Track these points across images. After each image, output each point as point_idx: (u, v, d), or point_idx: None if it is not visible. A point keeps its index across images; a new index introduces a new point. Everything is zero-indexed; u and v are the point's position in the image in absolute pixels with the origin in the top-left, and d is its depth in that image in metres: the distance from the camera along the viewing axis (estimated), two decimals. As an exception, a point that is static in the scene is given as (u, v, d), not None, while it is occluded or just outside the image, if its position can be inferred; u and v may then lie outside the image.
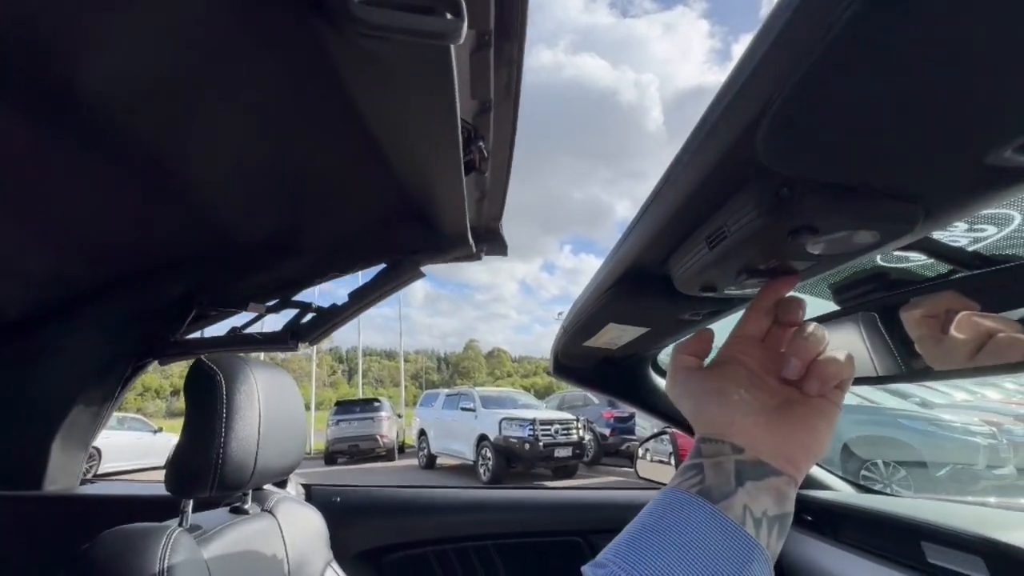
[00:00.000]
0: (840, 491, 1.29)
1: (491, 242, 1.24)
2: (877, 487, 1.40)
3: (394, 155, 0.69)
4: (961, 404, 6.88)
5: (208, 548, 0.74)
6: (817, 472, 1.34)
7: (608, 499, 1.46)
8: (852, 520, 1.11)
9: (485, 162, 0.84)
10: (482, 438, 8.58)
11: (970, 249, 0.51)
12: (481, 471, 8.50)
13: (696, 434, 0.40)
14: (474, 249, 1.25)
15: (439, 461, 10.21)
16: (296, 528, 0.97)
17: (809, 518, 1.23)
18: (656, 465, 1.77)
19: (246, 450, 0.77)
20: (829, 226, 0.41)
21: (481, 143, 0.83)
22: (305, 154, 0.76)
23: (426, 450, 10.25)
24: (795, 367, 0.39)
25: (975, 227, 0.48)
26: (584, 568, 0.35)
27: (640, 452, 1.87)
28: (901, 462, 5.52)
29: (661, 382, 1.35)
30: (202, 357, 0.80)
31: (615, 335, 0.93)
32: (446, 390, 11.37)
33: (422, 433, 10.50)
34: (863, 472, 5.79)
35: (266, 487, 1.02)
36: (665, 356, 1.32)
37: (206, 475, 0.74)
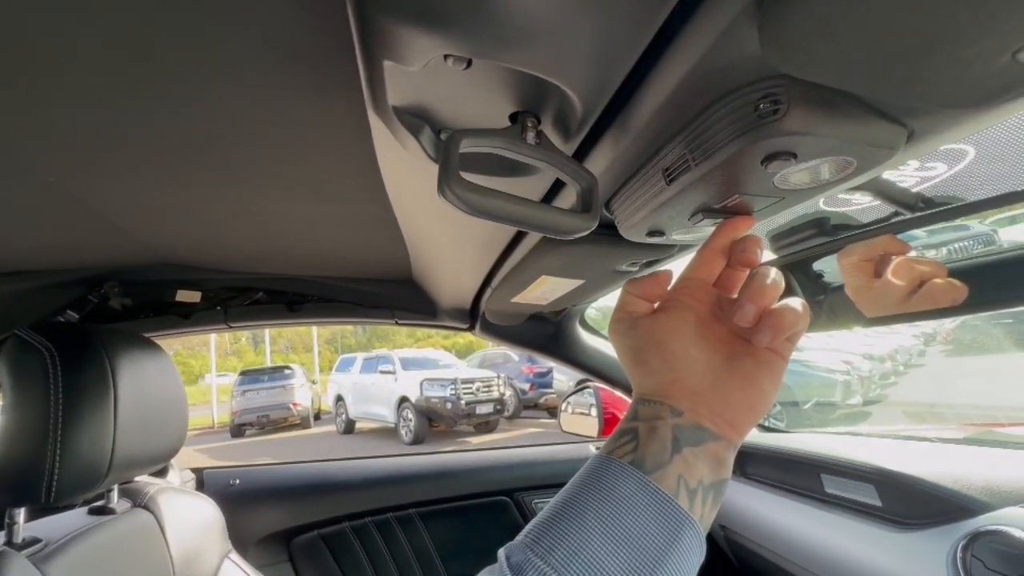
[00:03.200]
0: (746, 432, 1.39)
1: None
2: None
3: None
4: (823, 347, 8.07)
5: (53, 565, 0.58)
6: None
7: (533, 456, 1.45)
8: (758, 458, 1.19)
9: None
10: (403, 400, 8.54)
11: (915, 190, 0.50)
12: (403, 432, 8.50)
13: (634, 393, 0.37)
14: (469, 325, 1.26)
15: (358, 426, 10.03)
16: (181, 521, 0.83)
17: (720, 459, 1.31)
18: (578, 418, 1.80)
19: (96, 442, 0.61)
20: (808, 150, 0.36)
21: None
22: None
23: (344, 415, 10.00)
24: (749, 313, 0.35)
25: (926, 165, 0.46)
26: (500, 552, 0.34)
27: (563, 406, 1.89)
28: (777, 400, 6.32)
29: (589, 338, 1.33)
30: (21, 330, 0.61)
31: (547, 289, 0.87)
32: (364, 354, 11.06)
33: (339, 399, 10.19)
34: (747, 410, 6.59)
35: (139, 479, 0.85)
36: (593, 311, 1.30)
37: (38, 478, 0.57)
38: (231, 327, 1.14)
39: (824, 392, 6.43)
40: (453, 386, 8.13)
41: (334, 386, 10.69)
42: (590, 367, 1.35)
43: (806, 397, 6.37)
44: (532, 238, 0.69)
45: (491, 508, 1.35)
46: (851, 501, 0.92)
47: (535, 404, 10.00)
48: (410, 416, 8.43)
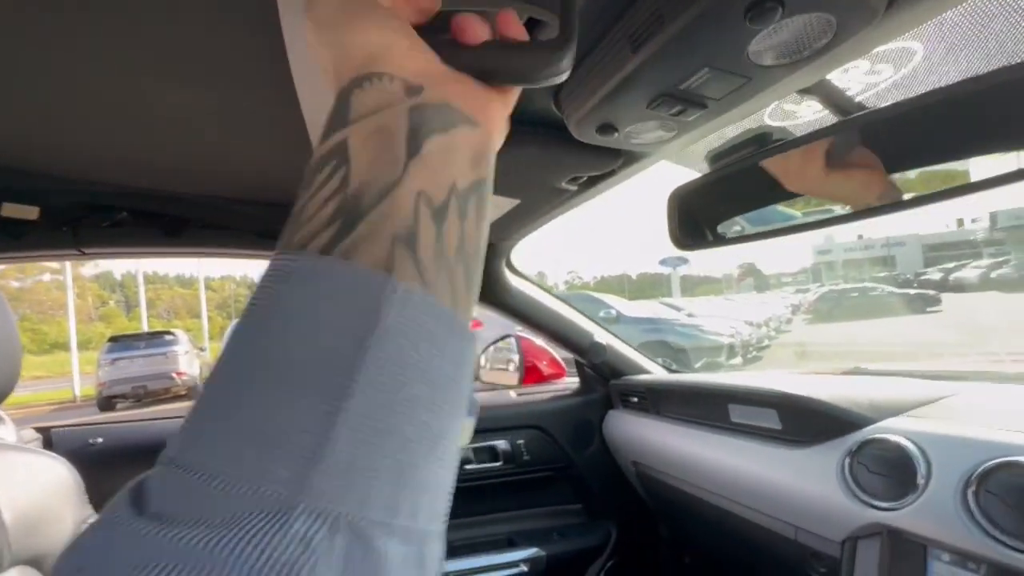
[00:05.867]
0: (657, 373, 1.46)
1: None
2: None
3: None
4: (712, 314, 9.11)
5: None
6: (639, 359, 1.48)
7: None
8: (671, 395, 1.25)
9: None
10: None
11: (858, 99, 0.50)
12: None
13: (339, 76, 0.24)
14: None
15: (257, 395, 9.33)
16: (16, 484, 0.67)
17: (635, 399, 1.37)
18: (496, 371, 1.78)
19: None
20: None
21: None
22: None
23: (239, 384, 9.23)
24: None
25: (874, 68, 0.46)
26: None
27: (481, 360, 1.86)
28: (674, 358, 6.95)
29: (515, 281, 1.29)
30: None
31: (479, 211, 0.80)
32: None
33: (233, 366, 9.36)
34: (648, 369, 7.28)
35: None
36: (528, 266, 1.25)
37: None
38: (84, 253, 0.92)
39: (712, 353, 7.18)
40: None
41: (228, 353, 9.80)
42: (516, 311, 1.31)
43: (698, 357, 7.07)
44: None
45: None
46: (755, 427, 0.99)
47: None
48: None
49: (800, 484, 0.85)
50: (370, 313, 0.18)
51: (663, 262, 17.15)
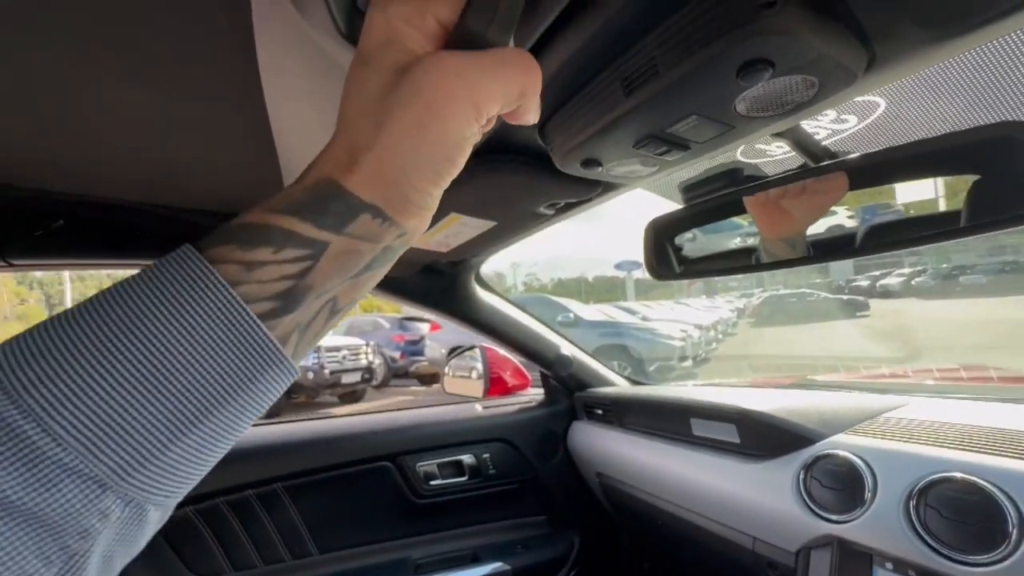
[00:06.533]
0: (621, 386, 1.49)
1: None
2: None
3: None
4: (665, 317, 9.48)
5: None
6: (603, 371, 1.51)
7: (419, 418, 1.38)
8: (635, 408, 1.28)
9: None
10: (256, 371, 7.73)
11: (824, 143, 0.53)
12: (255, 406, 7.73)
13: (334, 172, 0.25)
14: None
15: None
16: None
17: (600, 411, 1.39)
18: (460, 380, 1.76)
19: None
20: (787, 59, 0.34)
21: None
22: None
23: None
24: None
25: (841, 117, 0.49)
26: None
27: (446, 369, 1.84)
28: (629, 361, 7.15)
29: (484, 295, 1.28)
30: None
31: (454, 230, 0.78)
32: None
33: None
34: (605, 372, 7.50)
35: None
36: (487, 268, 1.25)
37: None
38: (12, 265, 0.84)
39: (665, 354, 7.45)
40: (316, 355, 7.58)
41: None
42: (484, 325, 1.30)
43: (652, 361, 7.31)
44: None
45: (371, 475, 1.25)
46: (715, 441, 1.03)
47: (405, 372, 9.86)
48: (264, 388, 7.69)
49: (758, 497, 0.90)
50: (254, 378, 0.23)
51: (618, 266, 17.66)
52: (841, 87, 0.37)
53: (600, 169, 0.53)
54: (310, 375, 7.49)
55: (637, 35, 0.37)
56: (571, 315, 7.81)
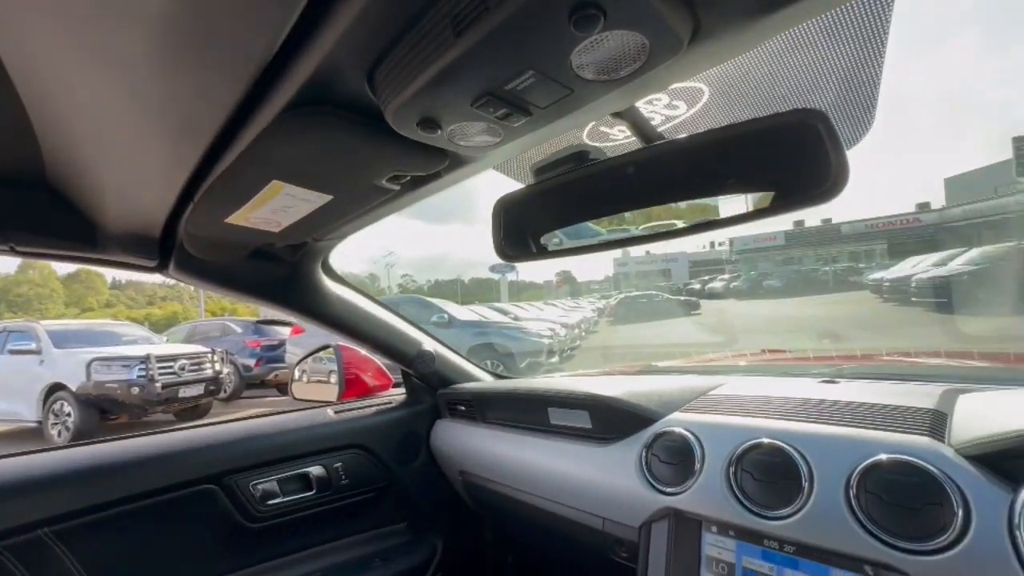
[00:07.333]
0: (485, 381, 1.47)
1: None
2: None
3: None
4: (535, 317, 10.02)
5: None
6: (468, 367, 1.48)
7: (253, 429, 1.18)
8: (497, 402, 1.26)
9: None
10: (55, 389, 6.26)
11: (659, 129, 0.55)
12: (55, 432, 6.24)
13: None
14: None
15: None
16: None
17: (462, 408, 1.35)
18: (314, 385, 1.59)
19: None
20: (618, 9, 0.32)
21: None
22: None
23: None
24: None
25: (673, 103, 0.51)
26: None
27: (296, 373, 1.64)
28: (501, 359, 7.33)
29: (333, 287, 1.15)
30: None
31: (279, 205, 0.66)
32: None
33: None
34: (479, 370, 7.70)
35: None
36: (337, 255, 1.12)
37: None
38: None
39: (534, 351, 7.80)
40: (143, 366, 6.40)
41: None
42: (333, 320, 1.17)
43: (523, 358, 7.60)
44: (259, 117, 0.49)
45: (189, 501, 1.03)
46: (570, 428, 1.06)
47: (262, 381, 8.83)
48: (68, 410, 6.26)
49: (608, 478, 0.93)
50: None
51: (493, 269, 18.14)
52: (669, 53, 0.36)
53: (440, 133, 0.48)
54: (134, 390, 6.29)
55: None
56: (445, 316, 7.75)
